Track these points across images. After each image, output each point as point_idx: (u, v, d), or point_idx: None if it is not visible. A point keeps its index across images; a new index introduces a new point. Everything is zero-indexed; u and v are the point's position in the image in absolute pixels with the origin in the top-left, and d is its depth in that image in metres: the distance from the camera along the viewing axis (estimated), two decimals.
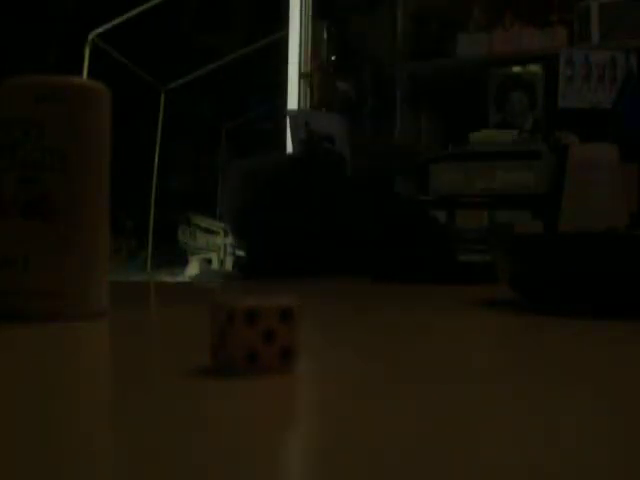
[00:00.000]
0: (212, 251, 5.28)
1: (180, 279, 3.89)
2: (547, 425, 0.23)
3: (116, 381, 0.30)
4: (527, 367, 0.33)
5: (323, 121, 2.31)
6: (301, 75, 2.78)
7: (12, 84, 0.45)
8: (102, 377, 0.31)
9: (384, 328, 0.47)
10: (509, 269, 0.57)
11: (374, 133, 2.60)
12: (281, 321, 0.29)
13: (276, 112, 3.33)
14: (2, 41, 4.74)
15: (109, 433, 0.22)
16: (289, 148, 2.41)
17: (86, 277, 0.46)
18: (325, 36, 2.75)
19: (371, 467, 0.18)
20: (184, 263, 5.14)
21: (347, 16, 2.74)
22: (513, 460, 0.19)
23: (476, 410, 0.25)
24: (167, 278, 4.22)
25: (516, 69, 2.32)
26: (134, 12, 4.50)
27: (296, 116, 2.34)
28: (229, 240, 5.03)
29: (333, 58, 2.75)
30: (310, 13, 2.80)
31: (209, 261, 5.20)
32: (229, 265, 5.00)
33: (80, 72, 4.21)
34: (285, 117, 2.40)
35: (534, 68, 2.29)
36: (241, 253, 1.21)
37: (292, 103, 2.76)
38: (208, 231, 5.38)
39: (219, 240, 5.27)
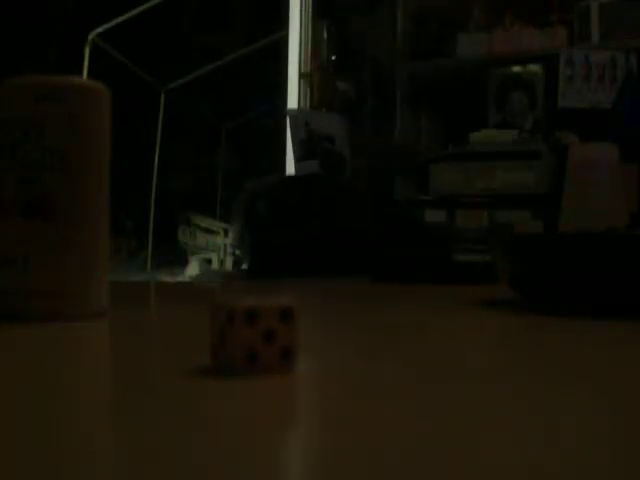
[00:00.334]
0: (212, 251, 5.28)
1: (180, 279, 3.90)
2: (547, 425, 0.23)
3: (116, 381, 0.30)
4: (527, 367, 0.33)
5: (323, 121, 2.31)
6: (301, 75, 2.78)
7: (12, 84, 0.45)
8: (102, 377, 0.31)
9: (384, 328, 0.47)
10: (509, 269, 0.57)
11: (374, 133, 2.60)
12: (281, 321, 0.29)
13: (276, 112, 3.33)
14: (2, 41, 4.74)
15: (109, 433, 0.22)
16: (289, 148, 2.41)
17: (86, 277, 0.46)
18: (325, 36, 2.75)
19: (371, 467, 0.18)
20: (184, 263, 5.15)
21: (347, 16, 2.74)
22: (513, 460, 0.19)
23: (476, 410, 0.25)
24: (167, 278, 4.22)
25: (516, 69, 2.32)
26: (134, 12, 4.51)
27: (296, 116, 2.34)
28: (229, 240, 5.03)
29: (333, 58, 2.75)
30: (310, 13, 2.80)
31: (209, 261, 5.21)
32: (229, 265, 5.01)
33: (80, 72, 4.21)
34: (285, 117, 2.40)
35: (534, 68, 2.29)
36: (242, 253, 1.22)
37: (292, 103, 2.76)
38: (208, 231, 5.39)
39: (219, 240, 5.27)
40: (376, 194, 2.10)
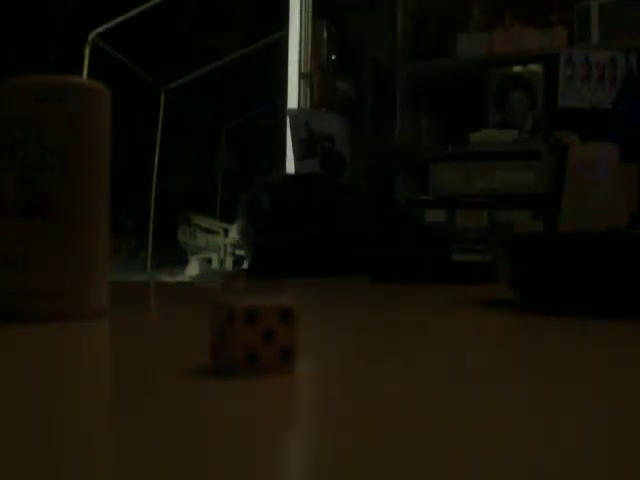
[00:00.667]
0: (212, 251, 5.28)
1: (180, 279, 3.90)
2: (547, 425, 0.23)
3: (116, 381, 0.30)
4: (527, 367, 0.33)
5: (323, 121, 2.31)
6: (301, 75, 2.77)
7: (12, 84, 0.45)
8: (102, 377, 0.31)
9: (384, 328, 0.47)
10: (509, 269, 0.57)
11: (374, 133, 2.60)
12: (281, 321, 0.29)
13: (276, 112, 3.33)
14: (2, 41, 4.74)
15: (109, 433, 0.22)
16: (289, 148, 2.41)
17: (86, 277, 0.46)
18: (325, 36, 2.75)
19: (371, 467, 0.18)
20: (184, 263, 5.15)
21: (347, 16, 2.74)
22: (513, 460, 0.19)
23: (476, 410, 0.25)
24: (167, 278, 4.22)
25: (516, 69, 2.32)
26: (134, 12, 4.51)
27: (296, 116, 2.34)
28: (229, 240, 5.04)
29: (333, 58, 2.75)
30: (310, 13, 2.80)
31: (209, 261, 5.21)
32: (229, 265, 5.01)
33: (80, 72, 4.21)
34: (285, 117, 2.40)
35: (534, 68, 2.29)
36: (244, 249, 1.23)
37: (292, 103, 2.76)
38: (208, 231, 5.39)
39: (219, 240, 5.27)
40: (376, 194, 2.10)
